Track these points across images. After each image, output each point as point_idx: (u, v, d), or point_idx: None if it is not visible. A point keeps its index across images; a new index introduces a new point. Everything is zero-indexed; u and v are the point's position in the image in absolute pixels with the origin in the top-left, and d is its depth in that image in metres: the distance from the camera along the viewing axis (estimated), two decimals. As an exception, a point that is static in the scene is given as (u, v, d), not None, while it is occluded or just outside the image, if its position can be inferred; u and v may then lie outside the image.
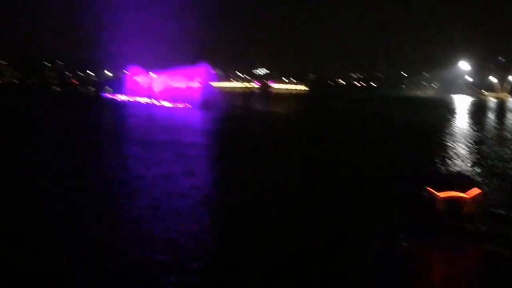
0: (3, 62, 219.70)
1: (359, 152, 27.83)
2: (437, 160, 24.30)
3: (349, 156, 26.73)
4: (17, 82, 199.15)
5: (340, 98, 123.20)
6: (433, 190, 12.41)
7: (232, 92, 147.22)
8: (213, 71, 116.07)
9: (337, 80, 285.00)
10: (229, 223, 13.96)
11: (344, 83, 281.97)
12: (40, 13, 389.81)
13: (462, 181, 13.77)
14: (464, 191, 12.30)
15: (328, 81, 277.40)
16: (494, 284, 9.25)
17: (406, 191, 14.98)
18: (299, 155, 27.10)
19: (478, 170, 21.70)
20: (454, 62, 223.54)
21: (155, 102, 76.40)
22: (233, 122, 49.56)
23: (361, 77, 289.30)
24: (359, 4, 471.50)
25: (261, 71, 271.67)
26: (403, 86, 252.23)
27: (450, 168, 22.01)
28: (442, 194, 12.20)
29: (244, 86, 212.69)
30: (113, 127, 42.63)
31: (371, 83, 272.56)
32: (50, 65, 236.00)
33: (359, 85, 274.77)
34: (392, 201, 14.91)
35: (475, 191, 12.47)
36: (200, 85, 72.91)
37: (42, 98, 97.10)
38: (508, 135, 38.33)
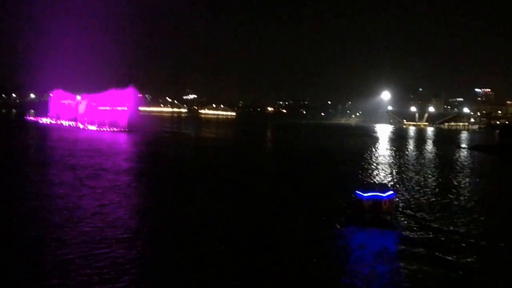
0: None
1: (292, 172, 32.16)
2: (361, 176, 30.22)
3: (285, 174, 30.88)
4: None
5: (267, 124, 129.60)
6: (360, 192, 16.53)
7: (160, 116, 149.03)
8: (141, 95, 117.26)
9: (266, 107, 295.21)
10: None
11: (272, 109, 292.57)
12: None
13: (380, 186, 18.29)
14: (382, 193, 16.47)
15: (257, 108, 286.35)
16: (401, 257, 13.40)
17: (340, 195, 20.15)
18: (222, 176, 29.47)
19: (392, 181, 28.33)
20: (377, 92, 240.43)
21: (80, 125, 76.62)
22: (155, 145, 52.00)
23: (287, 104, 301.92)
24: (292, 37, 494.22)
25: (191, 96, 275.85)
26: (327, 114, 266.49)
27: (371, 180, 27.94)
28: (366, 194, 16.29)
29: (173, 110, 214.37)
30: (33, 150, 43.17)
31: (302, 110, 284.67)
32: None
33: (284, 111, 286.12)
34: (331, 203, 19.98)
35: (389, 192, 16.76)
36: (127, 109, 74.19)
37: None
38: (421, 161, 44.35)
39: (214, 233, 15.20)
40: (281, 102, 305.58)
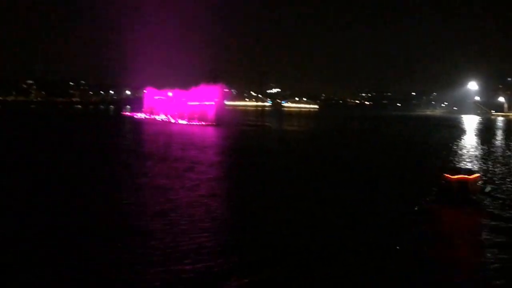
0: (29, 82, 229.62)
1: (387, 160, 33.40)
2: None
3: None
4: (41, 100, 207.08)
5: (352, 117, 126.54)
6: (448, 175, 18.55)
7: (245, 110, 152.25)
8: (227, 90, 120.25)
9: (348, 99, 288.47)
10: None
11: (356, 102, 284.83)
12: (68, 37, 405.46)
13: (466, 170, 20.25)
14: (469, 175, 18.76)
15: (340, 101, 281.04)
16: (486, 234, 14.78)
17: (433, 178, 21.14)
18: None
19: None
20: (463, 82, 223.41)
21: (171, 119, 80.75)
22: (242, 138, 53.14)
23: (371, 95, 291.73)
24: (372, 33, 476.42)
25: (274, 90, 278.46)
26: (411, 105, 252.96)
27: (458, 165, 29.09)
28: (454, 177, 18.35)
29: (257, 104, 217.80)
30: (131, 143, 46.18)
31: (385, 102, 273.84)
32: (73, 84, 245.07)
33: (368, 104, 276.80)
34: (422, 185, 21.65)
35: (475, 175, 19.38)
36: (214, 104, 76.74)
37: (67, 116, 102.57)
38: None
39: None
40: (363, 94, 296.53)
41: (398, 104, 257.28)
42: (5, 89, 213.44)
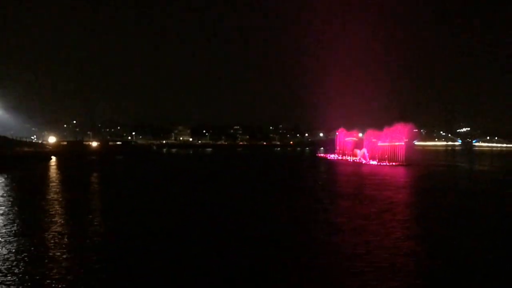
0: (236, 127, 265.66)
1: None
2: None
3: None
4: (246, 143, 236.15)
5: None
6: None
7: (434, 150, 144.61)
8: (416, 130, 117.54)
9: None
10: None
11: None
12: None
13: None
14: None
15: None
16: None
17: None
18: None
19: None
20: None
21: (363, 159, 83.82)
22: (433, 178, 52.68)
23: None
24: None
25: (464, 129, 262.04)
26: None
27: None
28: None
29: (446, 144, 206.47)
30: (328, 182, 50.95)
31: None
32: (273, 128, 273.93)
33: None
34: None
35: None
36: (404, 144, 77.09)
37: (267, 157, 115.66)
38: None
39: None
40: None
41: None
42: (216, 134, 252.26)
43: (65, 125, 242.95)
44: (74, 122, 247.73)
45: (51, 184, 43.72)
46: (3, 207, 28.69)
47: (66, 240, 20.28)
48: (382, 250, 18.28)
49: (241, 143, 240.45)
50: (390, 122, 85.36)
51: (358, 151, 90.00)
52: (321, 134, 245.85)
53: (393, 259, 16.93)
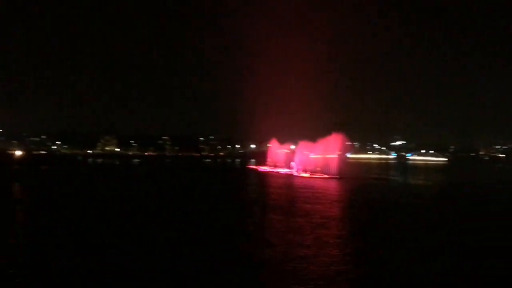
0: (164, 137, 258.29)
1: None
2: None
3: None
4: (174, 154, 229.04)
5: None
6: None
7: (368, 163, 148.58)
8: (349, 143, 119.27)
9: (481, 152, 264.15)
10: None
11: (486, 153, 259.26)
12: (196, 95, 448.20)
13: None
14: None
15: (470, 153, 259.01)
16: None
17: None
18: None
19: None
20: None
21: (294, 172, 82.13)
22: (367, 192, 51.71)
23: (505, 148, 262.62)
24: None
25: (398, 142, 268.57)
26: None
27: None
28: None
29: (380, 157, 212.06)
30: (256, 194, 48.00)
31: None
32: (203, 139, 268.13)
33: (501, 156, 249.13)
34: None
35: None
36: (337, 156, 76.37)
37: (206, 168, 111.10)
38: None
39: None
40: (498, 147, 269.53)
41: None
42: (144, 145, 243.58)
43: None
44: (1, 130, 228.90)
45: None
46: None
47: None
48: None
49: (170, 154, 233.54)
50: (324, 134, 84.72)
51: (293, 163, 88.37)
52: (253, 146, 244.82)
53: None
